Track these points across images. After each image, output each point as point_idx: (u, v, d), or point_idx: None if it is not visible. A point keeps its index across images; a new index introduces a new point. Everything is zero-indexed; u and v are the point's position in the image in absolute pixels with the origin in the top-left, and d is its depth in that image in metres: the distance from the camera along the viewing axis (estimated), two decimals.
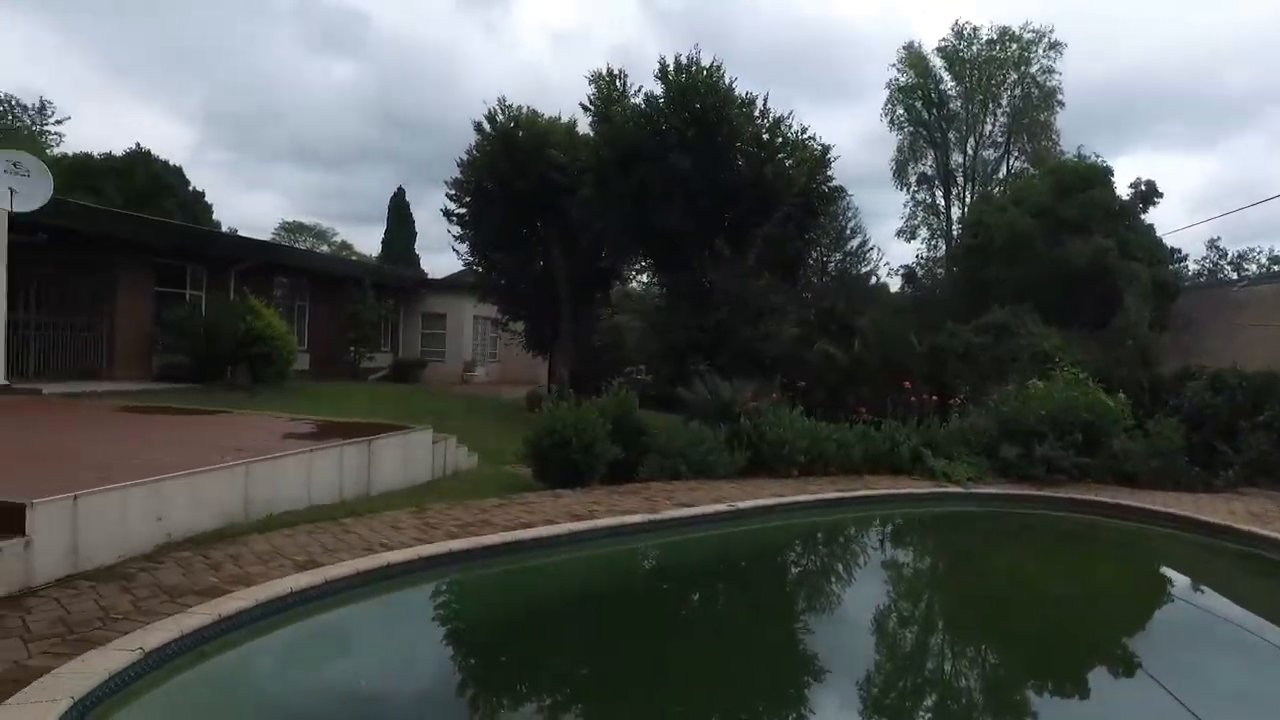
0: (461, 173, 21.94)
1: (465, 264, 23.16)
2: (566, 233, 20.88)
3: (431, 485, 10.31)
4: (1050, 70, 35.70)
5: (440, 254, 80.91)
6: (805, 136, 17.57)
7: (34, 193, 12.63)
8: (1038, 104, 35.74)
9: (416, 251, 45.62)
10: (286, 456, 8.00)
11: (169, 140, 74.03)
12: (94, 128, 66.10)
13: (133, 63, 67.37)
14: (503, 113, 20.70)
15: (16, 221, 13.14)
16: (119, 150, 36.21)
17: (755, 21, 47.30)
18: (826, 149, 18.11)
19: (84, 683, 4.06)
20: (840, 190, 19.05)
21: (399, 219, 45.62)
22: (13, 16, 58.45)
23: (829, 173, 18.42)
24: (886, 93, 37.33)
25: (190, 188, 38.51)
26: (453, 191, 22.18)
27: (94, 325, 16.26)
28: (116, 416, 11.04)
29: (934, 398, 13.80)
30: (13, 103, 39.28)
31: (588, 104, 17.89)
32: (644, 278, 24.21)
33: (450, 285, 27.60)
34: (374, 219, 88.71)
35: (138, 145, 38.46)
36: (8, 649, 4.47)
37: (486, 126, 20.81)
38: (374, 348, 24.01)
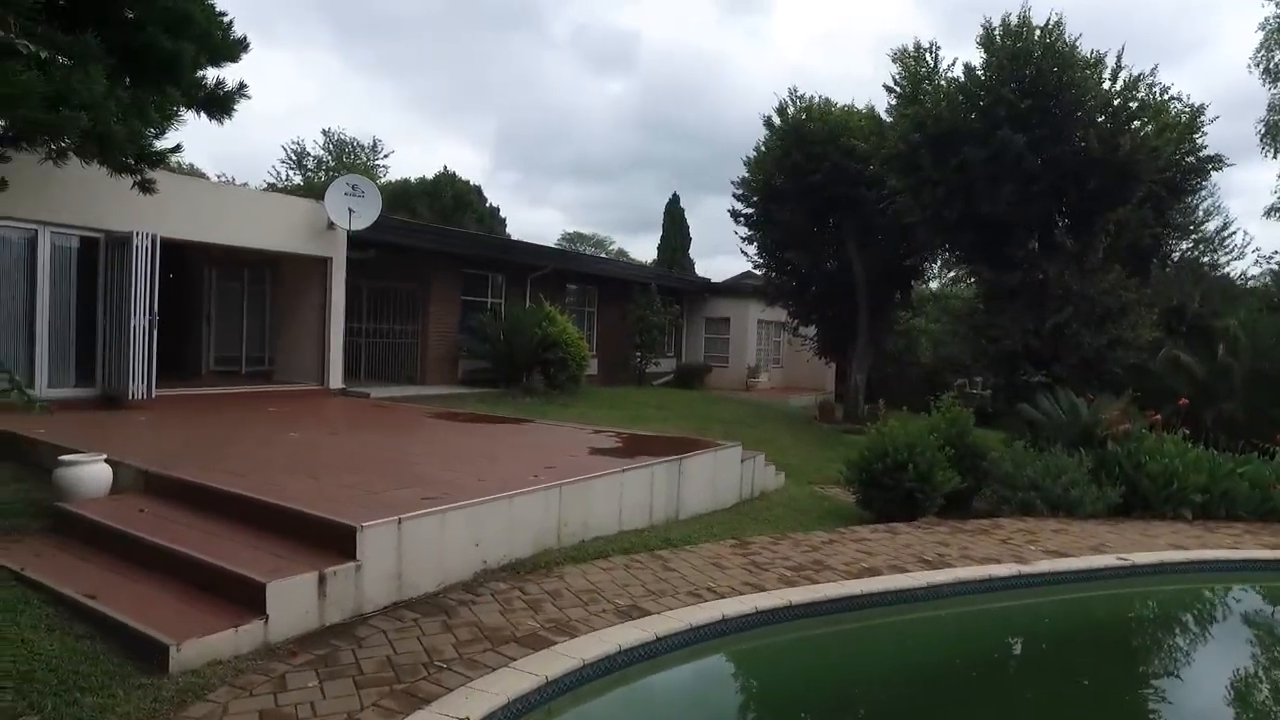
0: (748, 171, 21.05)
1: (754, 265, 22.23)
2: (863, 228, 19.24)
3: (741, 508, 9.33)
4: None
5: (712, 258, 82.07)
6: (1167, 98, 14.45)
7: (368, 212, 13.60)
8: None
9: (691, 256, 46.07)
10: (599, 477, 7.38)
11: (469, 165, 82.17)
12: (410, 158, 75.05)
13: (440, 100, 75.50)
14: (793, 104, 19.49)
15: (352, 238, 14.27)
16: (429, 174, 40.30)
17: None
18: (1197, 110, 14.79)
19: None
20: (1216, 160, 15.45)
21: (674, 225, 46.13)
22: (356, 75, 68.36)
23: (1200, 140, 15.04)
24: (1256, 39, 30.42)
25: (487, 204, 41.90)
26: (740, 191, 21.36)
27: (411, 333, 17.47)
28: (430, 423, 11.34)
29: None
30: (354, 143, 45.57)
31: (892, 84, 16.13)
32: (949, 275, 21.78)
33: (734, 289, 26.89)
34: (645, 226, 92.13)
35: (444, 168, 42.77)
36: (341, 693, 4.10)
37: (776, 120, 19.72)
38: (659, 353, 23.91)
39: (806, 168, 18.60)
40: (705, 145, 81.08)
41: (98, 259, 11.07)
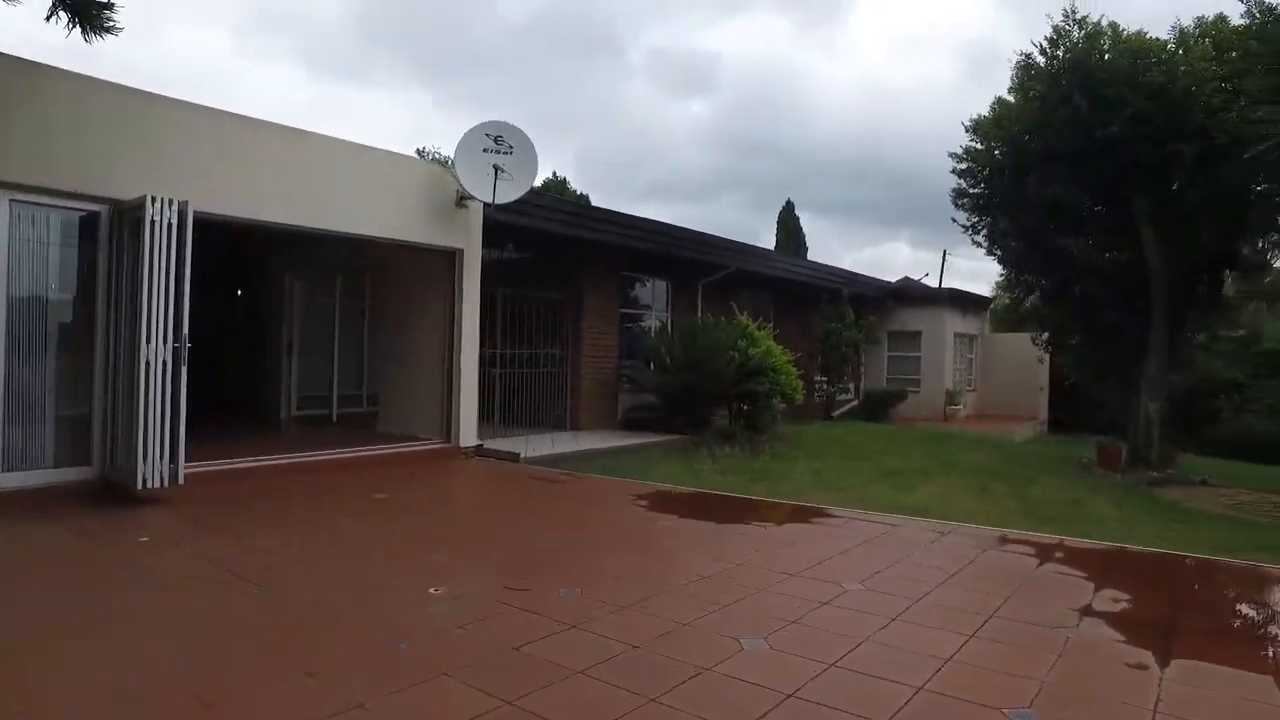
0: (976, 137, 15.81)
1: (993, 257, 16.72)
2: (1164, 203, 13.73)
3: None
4: None
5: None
6: None
7: (521, 175, 8.90)
8: None
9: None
10: None
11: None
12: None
13: (530, 131, 72.75)
14: (1072, 30, 13.91)
15: (489, 222, 9.67)
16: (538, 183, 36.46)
17: None
18: None
19: None
20: None
21: (788, 235, 41.38)
22: (444, 110, 66.23)
23: None
24: None
25: None
26: (964, 164, 16.09)
27: (556, 359, 12.73)
28: (661, 528, 6.47)
29: None
30: (450, 161, 42.59)
31: None
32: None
33: (928, 295, 21.37)
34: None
35: (554, 174, 38.96)
36: None
37: (1039, 60, 14.24)
38: (849, 378, 18.72)
39: (1094, 119, 13.17)
40: (788, 160, 76.09)
41: (97, 248, 6.62)
